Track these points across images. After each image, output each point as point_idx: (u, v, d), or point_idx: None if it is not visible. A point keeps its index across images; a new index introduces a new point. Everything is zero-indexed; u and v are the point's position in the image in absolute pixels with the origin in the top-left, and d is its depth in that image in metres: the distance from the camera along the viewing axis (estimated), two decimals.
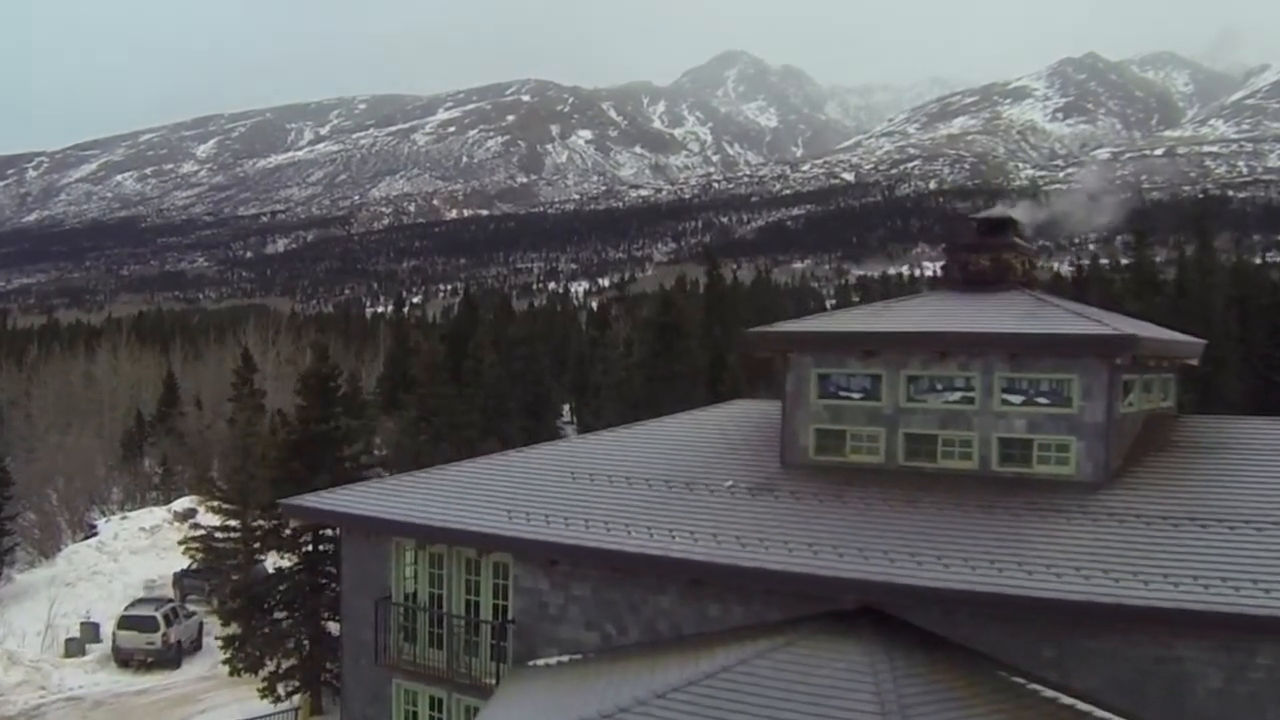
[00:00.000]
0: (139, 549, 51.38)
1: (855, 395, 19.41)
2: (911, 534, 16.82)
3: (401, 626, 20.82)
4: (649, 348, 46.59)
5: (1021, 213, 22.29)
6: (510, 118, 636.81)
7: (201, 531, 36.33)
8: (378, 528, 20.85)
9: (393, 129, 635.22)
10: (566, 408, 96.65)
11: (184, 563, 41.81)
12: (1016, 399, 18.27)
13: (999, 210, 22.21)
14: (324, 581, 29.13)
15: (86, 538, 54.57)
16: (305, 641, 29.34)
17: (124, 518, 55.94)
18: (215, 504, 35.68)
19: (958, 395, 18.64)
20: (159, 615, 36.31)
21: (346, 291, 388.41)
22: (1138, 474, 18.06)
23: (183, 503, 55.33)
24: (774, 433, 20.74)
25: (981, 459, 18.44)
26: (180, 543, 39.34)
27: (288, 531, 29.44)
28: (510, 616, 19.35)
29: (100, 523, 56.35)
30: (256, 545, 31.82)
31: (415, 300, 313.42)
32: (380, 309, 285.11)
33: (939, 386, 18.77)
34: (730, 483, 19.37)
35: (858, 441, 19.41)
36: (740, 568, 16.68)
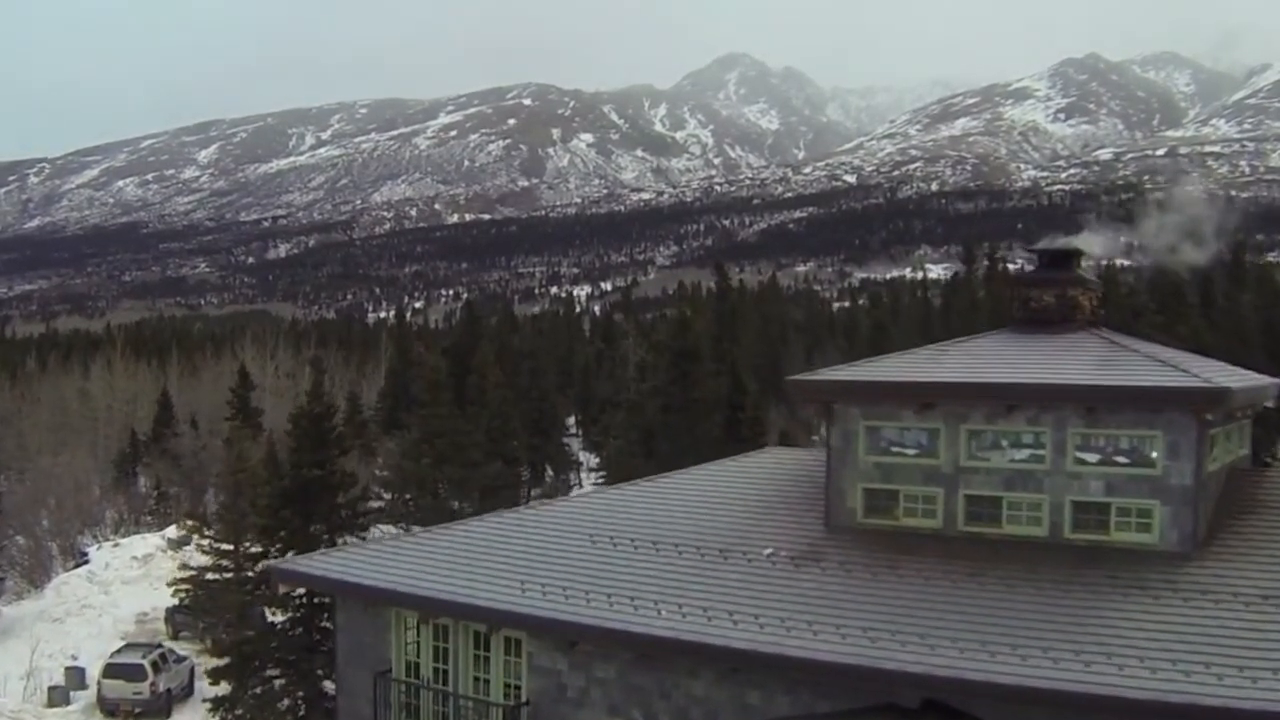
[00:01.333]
0: (131, 579, 49.37)
1: (909, 451, 17.39)
2: (979, 616, 14.81)
3: (404, 704, 18.84)
4: (664, 375, 44.56)
5: (1095, 244, 20.21)
6: (511, 121, 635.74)
7: (192, 571, 34.39)
8: (375, 597, 18.87)
9: (394, 133, 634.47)
10: (572, 419, 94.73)
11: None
12: (1092, 458, 16.25)
13: (1082, 239, 20.07)
14: (319, 638, 27.09)
15: (77, 566, 52.61)
16: (301, 703, 27.32)
17: (116, 545, 53.92)
18: (205, 544, 33.72)
19: (1025, 453, 16.61)
20: (146, 663, 34.20)
21: (348, 296, 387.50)
22: (1227, 541, 16.05)
23: (176, 530, 53.33)
24: (814, 489, 18.72)
25: (1052, 525, 16.43)
26: (170, 584, 37.43)
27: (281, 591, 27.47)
28: (524, 698, 17.37)
29: (92, 549, 54.35)
30: (248, 597, 29.80)
31: (418, 305, 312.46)
32: (382, 314, 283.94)
33: (1004, 443, 16.75)
34: (770, 550, 17.34)
35: (912, 503, 17.38)
36: (788, 657, 14.67)
